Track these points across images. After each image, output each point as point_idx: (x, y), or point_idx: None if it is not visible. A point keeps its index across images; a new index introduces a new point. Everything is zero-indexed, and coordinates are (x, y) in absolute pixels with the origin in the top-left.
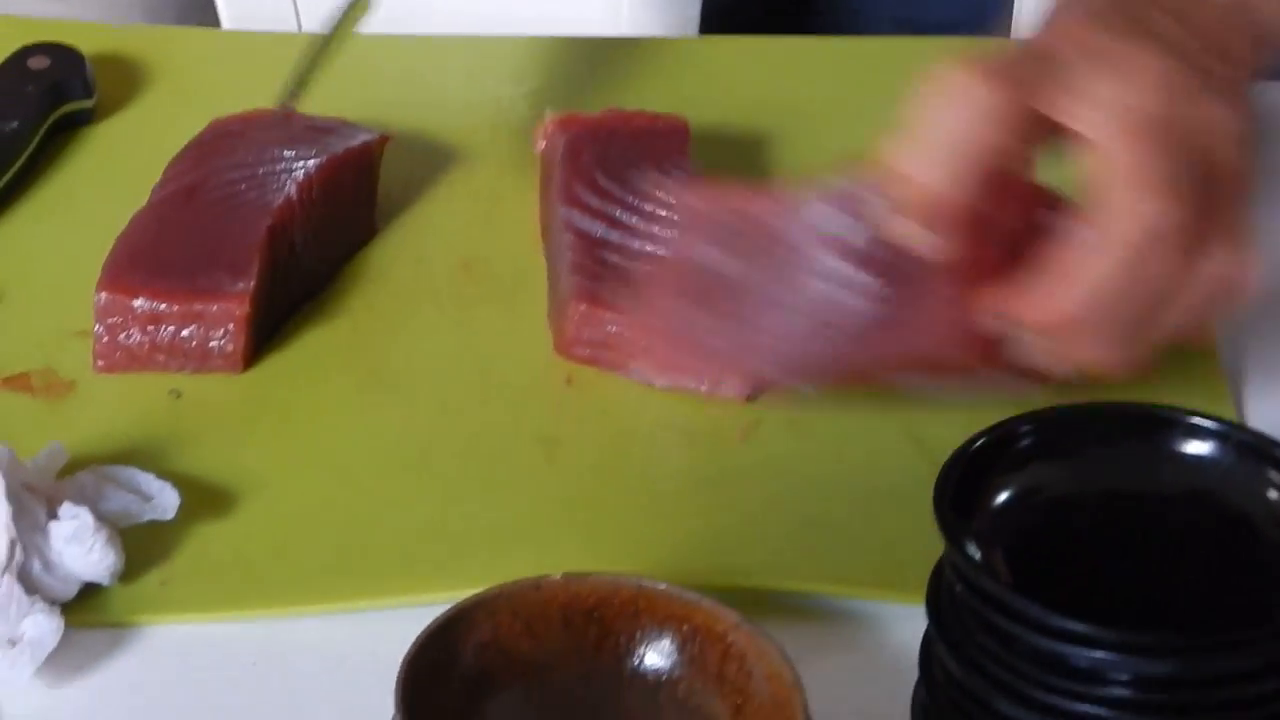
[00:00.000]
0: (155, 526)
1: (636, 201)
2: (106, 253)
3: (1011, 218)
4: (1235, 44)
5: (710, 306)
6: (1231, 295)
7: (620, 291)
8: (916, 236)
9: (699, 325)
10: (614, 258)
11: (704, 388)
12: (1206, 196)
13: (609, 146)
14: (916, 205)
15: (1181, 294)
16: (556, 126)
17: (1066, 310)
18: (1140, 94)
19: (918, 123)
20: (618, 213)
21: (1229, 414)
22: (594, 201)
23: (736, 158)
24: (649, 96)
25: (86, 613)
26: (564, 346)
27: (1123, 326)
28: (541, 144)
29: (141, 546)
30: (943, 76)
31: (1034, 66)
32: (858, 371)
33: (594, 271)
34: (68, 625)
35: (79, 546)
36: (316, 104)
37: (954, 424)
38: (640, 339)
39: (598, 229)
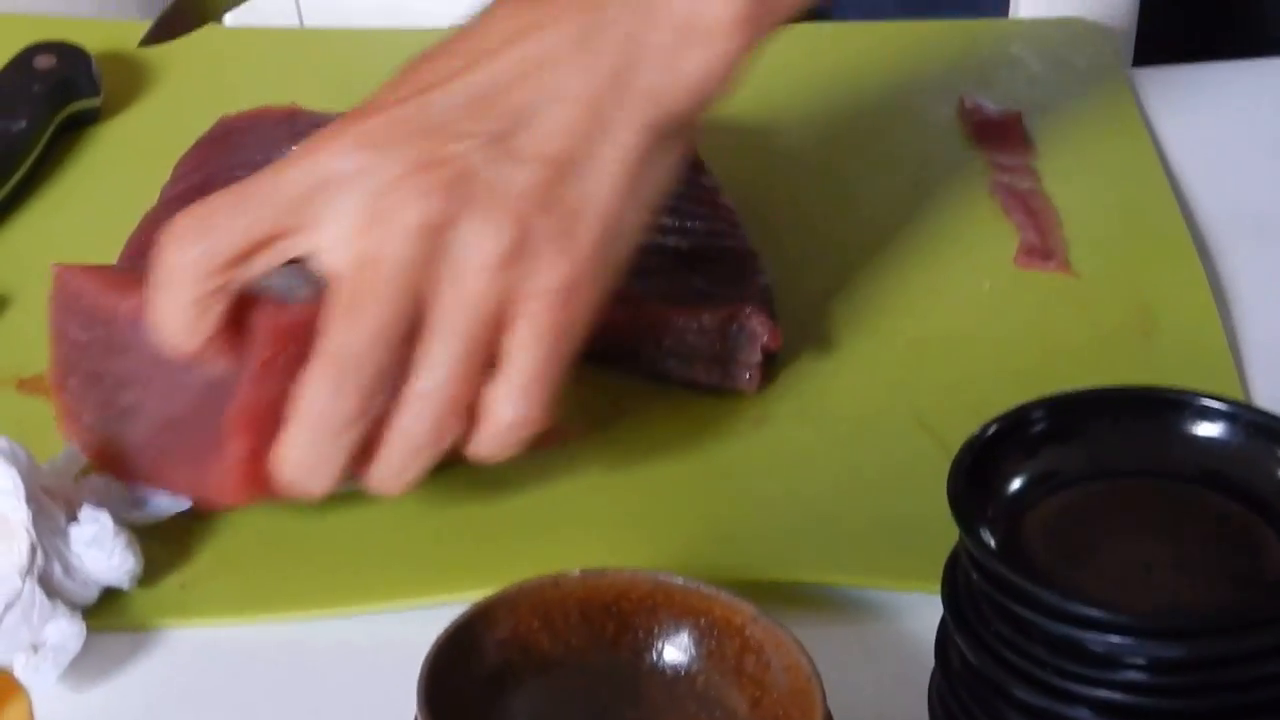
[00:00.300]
0: (173, 529)
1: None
2: (118, 252)
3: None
4: (535, 137)
5: (87, 396)
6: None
7: None
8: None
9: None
10: None
11: (712, 379)
12: (415, 335)
13: None
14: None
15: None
16: None
17: (287, 450)
18: (360, 228)
19: (159, 268)
20: None
21: (1236, 394)
22: None
23: (744, 147)
24: None
25: (107, 617)
26: None
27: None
28: None
29: (160, 549)
30: (174, 224)
31: (255, 203)
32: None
33: None
34: (88, 629)
35: (99, 550)
36: (321, 98)
37: (965, 410)
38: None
39: None
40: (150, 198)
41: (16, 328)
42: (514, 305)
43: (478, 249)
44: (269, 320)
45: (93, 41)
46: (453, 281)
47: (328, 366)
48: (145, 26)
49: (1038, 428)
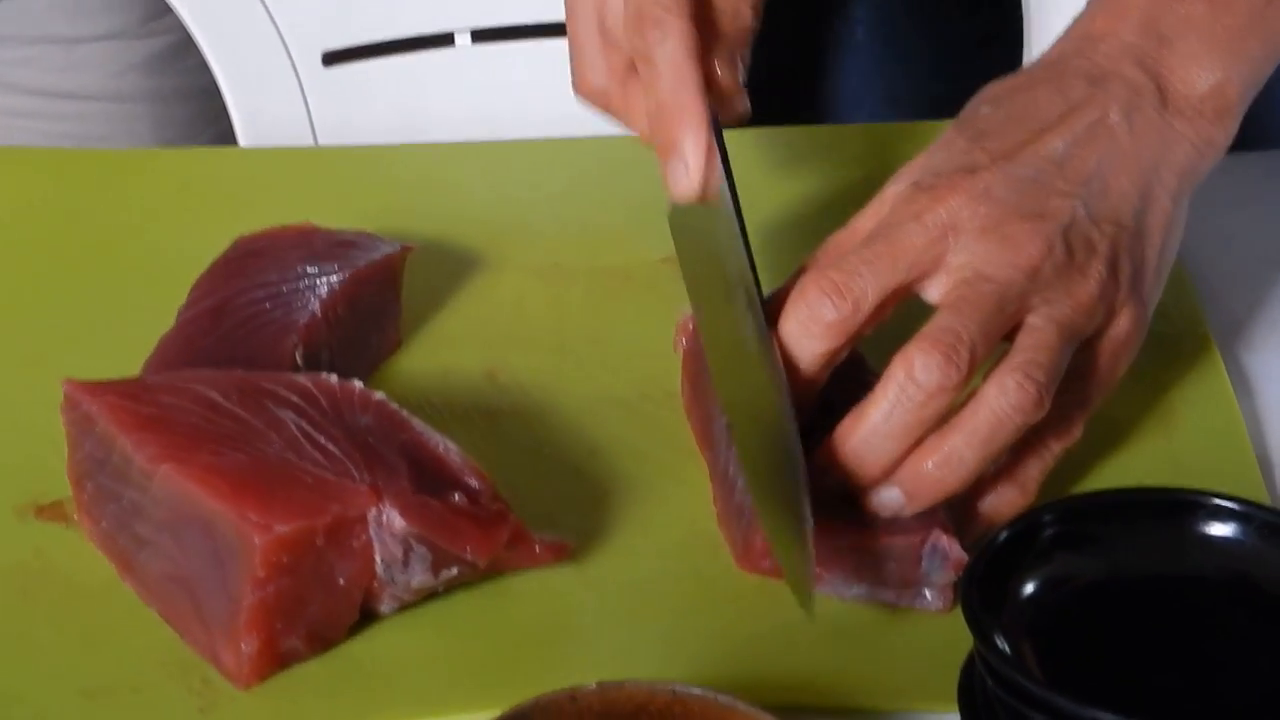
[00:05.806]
0: (191, 655)
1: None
2: (134, 374)
3: None
4: (1121, 193)
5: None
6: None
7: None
8: None
9: None
10: None
11: (901, 601)
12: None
13: None
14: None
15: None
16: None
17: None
18: (979, 261)
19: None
20: None
21: (1258, 490)
22: None
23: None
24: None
25: None
26: (751, 561)
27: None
28: (683, 343)
29: (179, 675)
30: (804, 286)
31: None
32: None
33: None
34: None
35: None
36: (338, 216)
37: None
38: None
39: None
40: (167, 322)
41: (37, 453)
42: (1086, 346)
43: (1074, 290)
44: (265, 538)
45: (106, 167)
46: (1050, 307)
47: (933, 344)
48: (156, 151)
49: (1049, 532)
